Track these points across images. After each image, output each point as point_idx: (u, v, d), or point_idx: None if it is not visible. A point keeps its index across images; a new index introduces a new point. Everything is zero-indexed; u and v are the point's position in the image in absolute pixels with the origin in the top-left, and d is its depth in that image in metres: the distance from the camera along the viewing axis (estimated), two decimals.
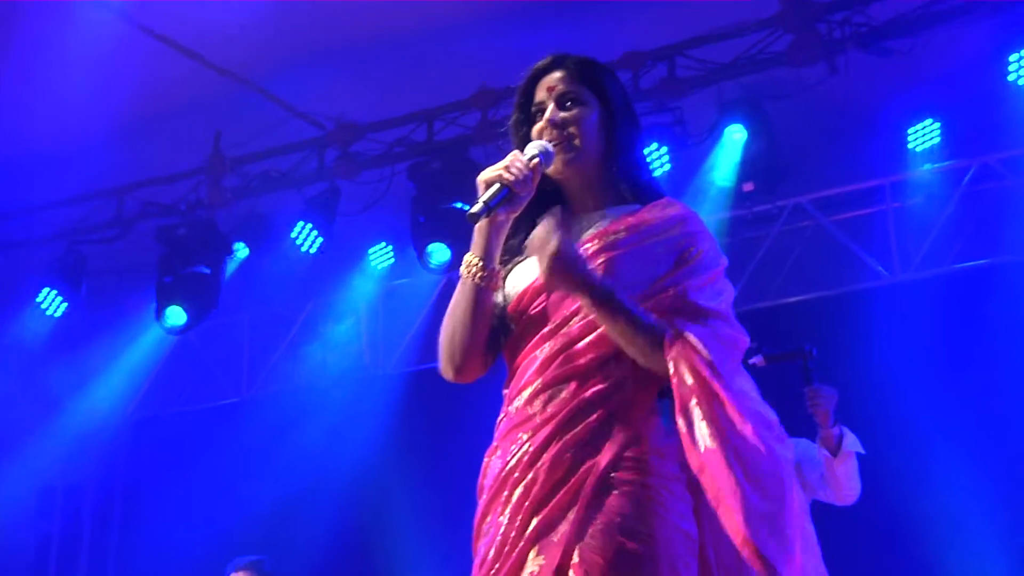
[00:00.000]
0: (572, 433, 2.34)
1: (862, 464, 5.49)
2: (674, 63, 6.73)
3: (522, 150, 2.52)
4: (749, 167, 7.11)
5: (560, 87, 2.56)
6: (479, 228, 2.47)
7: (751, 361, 4.84)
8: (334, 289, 8.77)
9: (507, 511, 2.36)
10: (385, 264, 8.63)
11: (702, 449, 2.24)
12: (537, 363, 2.44)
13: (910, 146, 7.23)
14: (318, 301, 8.95)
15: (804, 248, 7.84)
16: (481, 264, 2.46)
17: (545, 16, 6.53)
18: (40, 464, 8.94)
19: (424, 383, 8.58)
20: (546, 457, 2.34)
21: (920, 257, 7.45)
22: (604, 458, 2.31)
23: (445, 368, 2.53)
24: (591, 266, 2.38)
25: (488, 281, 2.47)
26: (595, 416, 2.35)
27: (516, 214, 2.50)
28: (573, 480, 2.31)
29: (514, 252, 2.55)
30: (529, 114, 2.61)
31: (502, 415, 2.49)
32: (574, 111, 2.55)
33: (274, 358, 9.03)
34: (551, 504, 2.30)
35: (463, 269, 2.47)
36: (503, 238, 2.51)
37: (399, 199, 7.44)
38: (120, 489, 9.54)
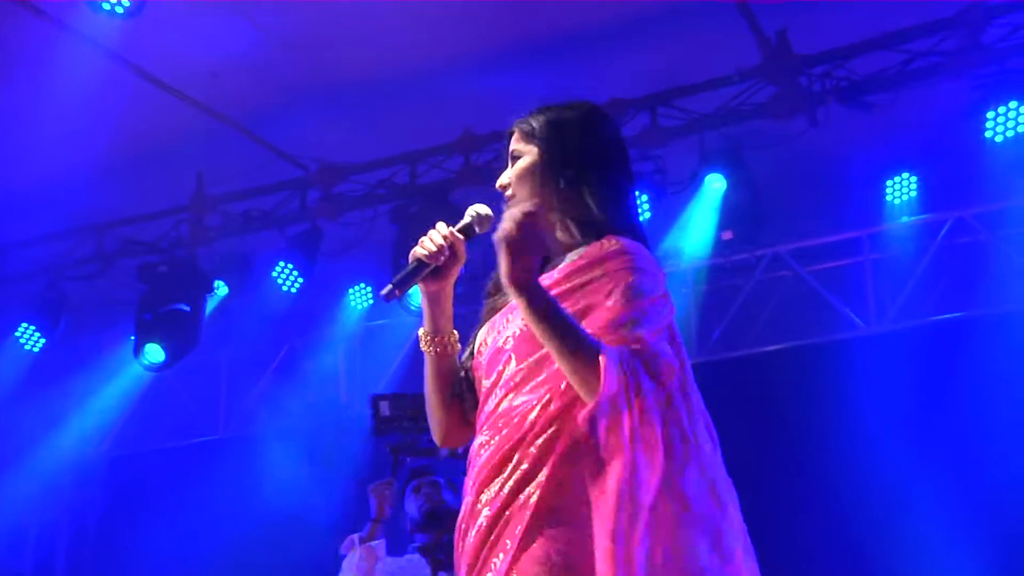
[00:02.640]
0: (502, 481, 2.33)
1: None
2: (656, 112, 6.80)
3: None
4: (728, 216, 7.17)
5: (511, 147, 2.62)
6: (423, 301, 2.56)
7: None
8: (313, 329, 8.77)
9: (461, 561, 2.39)
10: (364, 305, 8.65)
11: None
12: (484, 414, 2.47)
13: (888, 199, 7.32)
14: (297, 341, 8.95)
15: (782, 297, 7.89)
16: (429, 335, 2.56)
17: (529, 62, 6.60)
18: (13, 501, 8.87)
19: None
20: (480, 508, 2.35)
21: (896, 309, 7.51)
22: (530, 508, 2.27)
23: (434, 436, 2.63)
24: (516, 318, 2.42)
25: (440, 348, 2.56)
26: (523, 466, 2.32)
27: (446, 283, 2.56)
28: (499, 527, 2.31)
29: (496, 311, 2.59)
30: None
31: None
32: (514, 167, 2.60)
33: (252, 397, 9.01)
34: (483, 555, 2.31)
35: (420, 344, 2.56)
36: (446, 304, 2.59)
37: (380, 241, 7.46)
38: (94, 527, 9.47)
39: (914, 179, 7.22)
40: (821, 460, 7.22)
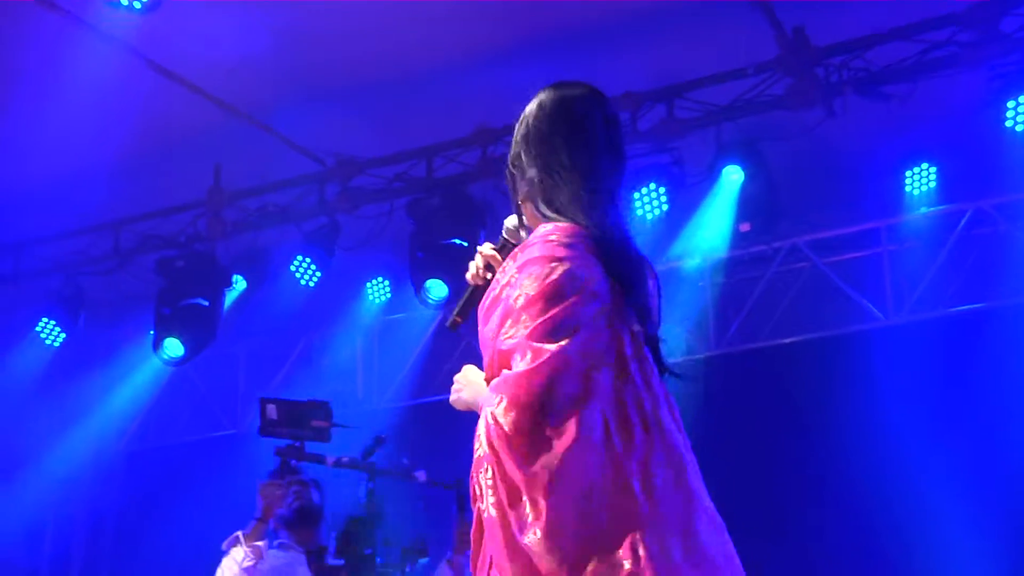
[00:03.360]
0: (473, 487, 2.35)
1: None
2: (673, 104, 6.78)
3: None
4: (746, 208, 7.15)
5: None
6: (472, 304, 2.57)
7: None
8: (331, 323, 8.79)
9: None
10: (382, 299, 8.66)
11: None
12: None
13: (906, 189, 7.28)
14: (315, 335, 8.97)
15: (800, 289, 7.88)
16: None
17: (545, 56, 6.59)
18: (31, 496, 8.91)
19: (418, 417, 8.59)
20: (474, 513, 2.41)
21: (915, 300, 7.48)
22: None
23: None
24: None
25: None
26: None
27: None
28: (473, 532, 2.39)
29: None
30: None
31: None
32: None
33: (270, 391, 9.03)
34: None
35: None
36: None
37: (398, 235, 7.47)
38: (112, 521, 9.51)
39: (933, 169, 7.18)
40: (839, 451, 7.21)
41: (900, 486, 6.95)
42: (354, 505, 4.75)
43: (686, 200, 7.24)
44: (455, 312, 2.62)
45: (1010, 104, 6.34)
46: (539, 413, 2.19)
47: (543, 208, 2.49)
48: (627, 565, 2.14)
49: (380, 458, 4.85)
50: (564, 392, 2.21)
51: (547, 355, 2.21)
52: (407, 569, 4.71)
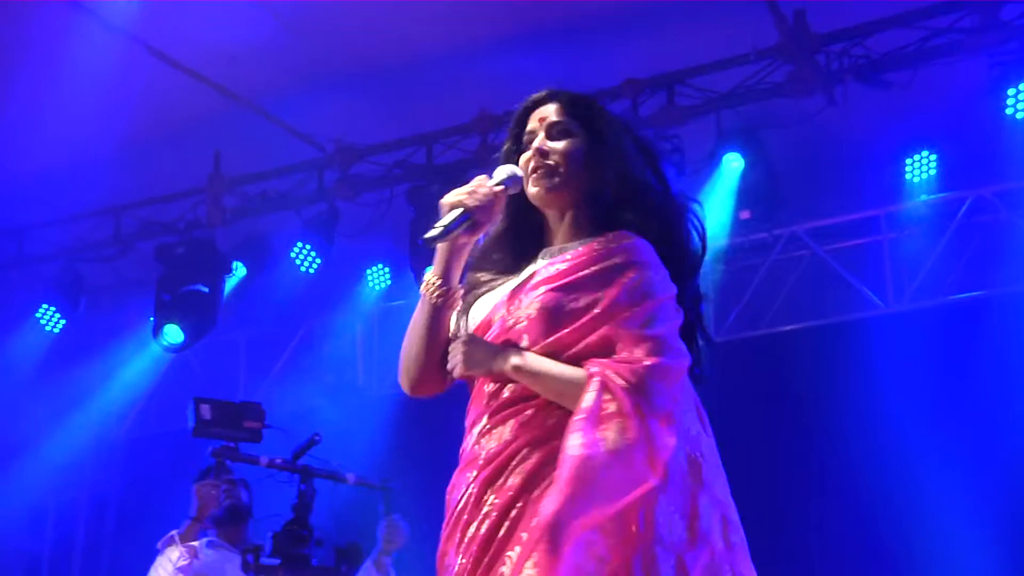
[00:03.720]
0: (511, 474, 2.34)
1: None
2: (673, 91, 6.78)
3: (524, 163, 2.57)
4: (746, 195, 7.15)
5: (552, 118, 2.60)
6: (440, 248, 2.50)
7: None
8: (331, 310, 8.79)
9: (460, 551, 2.36)
10: (382, 285, 8.66)
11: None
12: (484, 399, 2.46)
13: (907, 177, 7.28)
14: (315, 322, 8.98)
15: (799, 277, 7.88)
16: (439, 283, 2.50)
17: (545, 43, 6.59)
18: (33, 481, 8.92)
19: (418, 404, 8.59)
20: (487, 499, 2.35)
21: (915, 288, 7.48)
22: (547, 504, 2.22)
23: (402, 381, 2.57)
24: (529, 299, 2.42)
25: (445, 300, 2.52)
26: (534, 459, 2.34)
27: (476, 237, 2.55)
28: (510, 521, 2.31)
29: (497, 268, 2.58)
30: (520, 143, 2.63)
31: (463, 446, 2.49)
32: (562, 142, 2.57)
33: (270, 377, 9.04)
34: (494, 546, 2.30)
35: (422, 287, 2.51)
36: (463, 259, 2.56)
37: (398, 221, 7.47)
38: (113, 507, 9.53)
39: (933, 157, 7.17)
40: (839, 439, 7.22)
41: (900, 474, 6.96)
42: (289, 506, 4.77)
43: (686, 188, 7.21)
44: (440, 227, 2.44)
45: (1010, 92, 6.34)
46: (671, 403, 2.33)
47: (617, 217, 2.52)
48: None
49: (312, 459, 4.88)
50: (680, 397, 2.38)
51: (683, 360, 2.40)
52: (342, 570, 4.74)
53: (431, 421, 8.58)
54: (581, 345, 2.36)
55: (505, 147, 2.66)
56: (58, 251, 8.26)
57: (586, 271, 2.41)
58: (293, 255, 7.88)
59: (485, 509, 2.34)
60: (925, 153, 7.17)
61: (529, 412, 2.37)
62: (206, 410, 4.92)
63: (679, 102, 6.78)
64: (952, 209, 7.39)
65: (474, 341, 2.45)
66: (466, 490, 2.39)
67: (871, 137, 7.07)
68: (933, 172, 7.21)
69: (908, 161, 7.23)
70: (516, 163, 2.59)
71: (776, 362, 7.73)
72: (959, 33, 6.17)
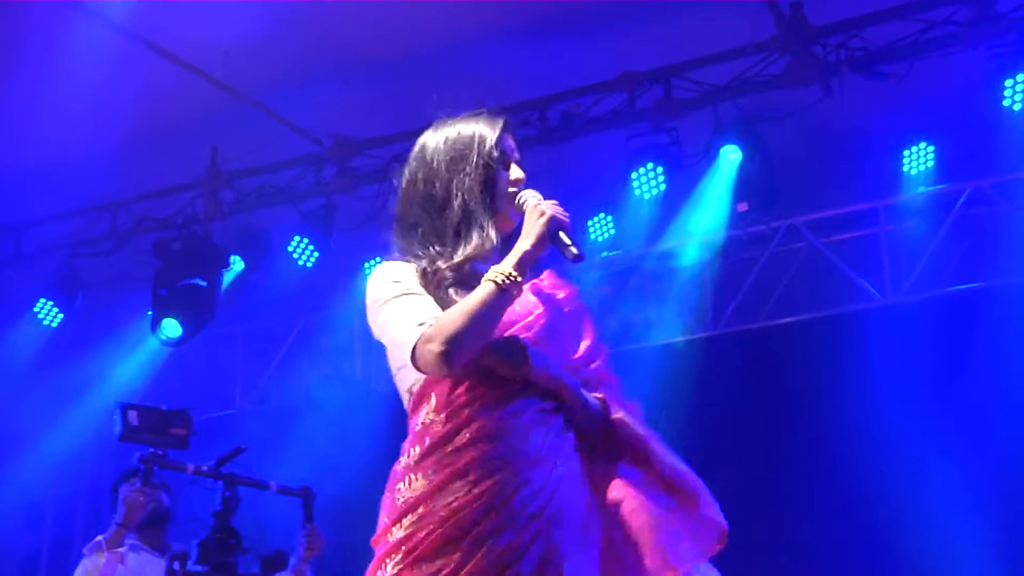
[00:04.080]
0: (568, 473, 2.48)
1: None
2: (671, 84, 6.78)
3: (504, 180, 2.68)
4: (744, 188, 7.15)
5: (518, 154, 2.77)
6: (531, 251, 2.52)
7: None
8: (329, 304, 8.79)
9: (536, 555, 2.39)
10: None
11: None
12: (525, 398, 2.49)
13: (904, 169, 7.27)
14: (313, 316, 8.97)
15: (798, 269, 7.88)
16: (520, 279, 2.49)
17: (543, 36, 6.58)
18: (31, 476, 8.92)
19: None
20: (559, 496, 2.44)
21: (912, 280, 7.49)
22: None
23: (444, 354, 2.40)
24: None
25: (518, 293, 2.52)
26: (577, 458, 2.51)
27: None
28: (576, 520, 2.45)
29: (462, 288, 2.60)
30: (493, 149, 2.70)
31: (477, 435, 2.45)
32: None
33: (268, 372, 9.05)
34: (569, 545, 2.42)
35: (500, 277, 2.46)
36: None
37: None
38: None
39: (931, 149, 7.17)
40: (836, 431, 7.23)
41: (897, 465, 6.97)
42: (216, 513, 4.81)
43: (684, 180, 7.24)
44: (580, 245, 2.58)
45: (1007, 83, 6.34)
46: None
47: None
48: None
49: (237, 467, 4.91)
50: None
51: None
52: None
53: None
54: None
55: (497, 155, 2.70)
56: (56, 246, 8.25)
57: (573, 308, 2.69)
58: (291, 249, 7.87)
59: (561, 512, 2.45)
60: (923, 145, 7.17)
61: (568, 419, 2.54)
62: (133, 416, 4.95)
63: (676, 95, 6.78)
64: (950, 201, 7.39)
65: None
66: (532, 488, 2.42)
67: (868, 129, 7.07)
68: (931, 164, 7.21)
69: (906, 153, 7.23)
70: (495, 172, 2.68)
71: (775, 354, 7.74)
72: (956, 25, 6.17)
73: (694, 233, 7.66)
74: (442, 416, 2.46)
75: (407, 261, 2.62)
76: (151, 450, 4.93)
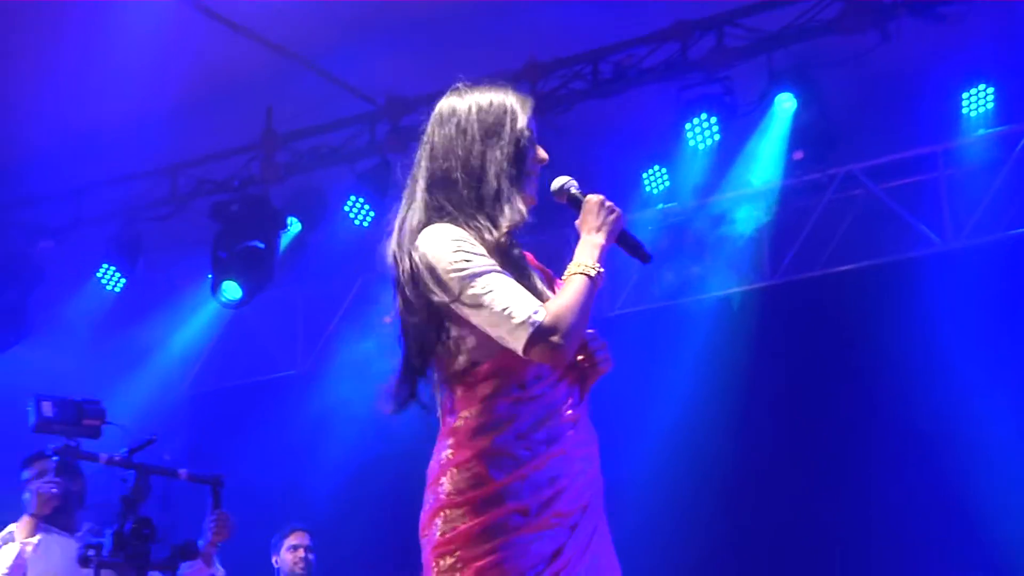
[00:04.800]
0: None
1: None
2: (723, 32, 6.71)
3: (532, 159, 2.75)
4: (799, 136, 7.09)
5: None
6: (607, 246, 2.67)
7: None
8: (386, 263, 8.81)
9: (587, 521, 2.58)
10: None
11: None
12: (577, 390, 2.65)
13: (963, 112, 7.17)
14: (371, 274, 9.02)
15: (855, 217, 7.81)
16: (602, 272, 2.63)
17: None
18: (98, 442, 9.04)
19: None
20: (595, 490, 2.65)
21: (973, 224, 7.40)
22: None
23: (564, 348, 2.48)
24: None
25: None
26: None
27: None
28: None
29: (517, 263, 2.65)
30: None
31: (550, 417, 2.57)
32: None
33: (328, 331, 9.12)
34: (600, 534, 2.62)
35: (592, 272, 2.58)
36: None
37: None
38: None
39: (991, 90, 7.05)
40: (897, 378, 7.19)
41: (960, 411, 6.92)
42: (130, 502, 4.90)
43: (739, 130, 7.19)
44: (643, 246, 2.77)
45: None
46: None
47: None
48: None
49: (148, 456, 5.00)
50: None
51: None
52: (179, 566, 4.87)
53: None
54: None
55: (528, 134, 2.74)
56: (116, 211, 8.34)
57: None
58: (347, 209, 7.92)
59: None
60: (982, 87, 7.05)
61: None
62: (47, 407, 5.03)
63: (729, 43, 6.71)
64: (1010, 143, 7.28)
65: None
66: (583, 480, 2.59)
67: (926, 72, 6.96)
68: (991, 106, 7.09)
69: (964, 95, 7.12)
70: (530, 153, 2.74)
71: (833, 303, 7.69)
72: None
73: (750, 183, 7.61)
74: (542, 390, 2.56)
75: (457, 225, 2.61)
76: (65, 442, 5.03)
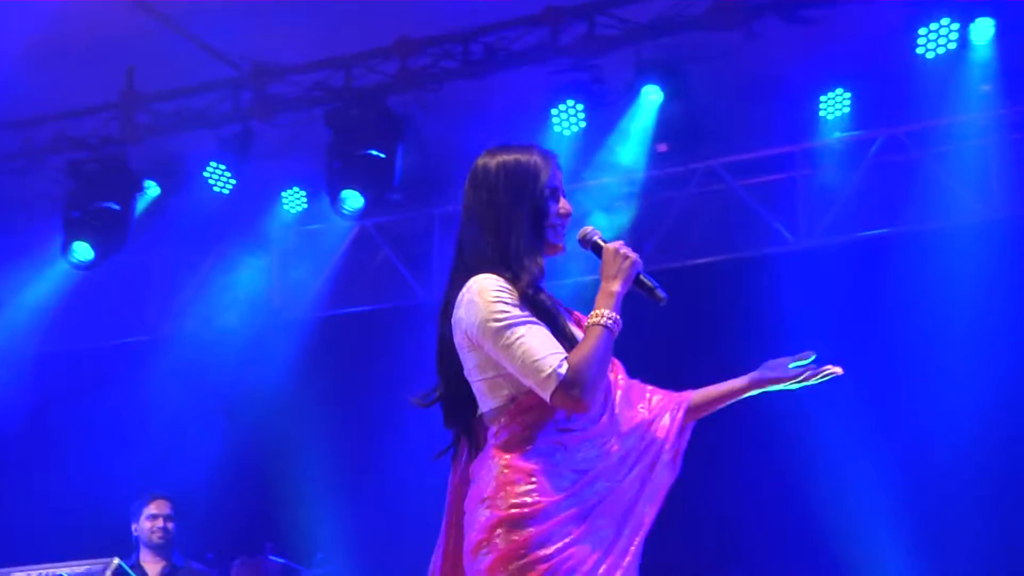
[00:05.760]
0: None
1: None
2: (594, 20, 6.76)
3: (555, 214, 2.99)
4: (664, 128, 7.20)
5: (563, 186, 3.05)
6: (622, 292, 2.92)
7: None
8: (246, 231, 8.71)
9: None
10: (298, 208, 8.59)
11: None
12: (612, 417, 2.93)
13: (821, 114, 7.35)
14: (229, 243, 8.88)
15: (715, 211, 7.95)
16: (619, 321, 2.87)
17: None
18: None
19: (331, 329, 8.60)
20: None
21: (825, 224, 7.59)
22: None
23: (584, 401, 2.75)
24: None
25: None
26: None
27: None
28: None
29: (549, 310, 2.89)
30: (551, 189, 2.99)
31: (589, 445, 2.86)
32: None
33: (183, 298, 8.95)
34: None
35: (609, 322, 2.84)
36: None
37: (315, 144, 7.41)
38: (22, 423, 9.41)
39: (847, 95, 7.25)
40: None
41: (804, 404, 7.09)
42: None
43: (604, 119, 7.26)
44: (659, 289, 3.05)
45: (921, 31, 6.44)
46: None
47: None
48: None
49: None
50: None
51: None
52: None
53: (344, 347, 8.60)
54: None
55: (547, 193, 2.97)
56: None
57: None
58: (207, 175, 7.79)
59: None
60: (839, 91, 7.24)
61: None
62: None
63: (599, 32, 6.77)
64: (864, 147, 7.48)
65: None
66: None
67: (788, 73, 7.11)
68: (847, 110, 7.29)
69: (822, 98, 7.30)
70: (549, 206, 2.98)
71: (691, 294, 7.80)
72: None
73: (614, 172, 7.69)
74: (578, 425, 2.83)
75: (499, 276, 2.87)
76: None
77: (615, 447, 2.87)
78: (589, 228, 3.05)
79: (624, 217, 7.91)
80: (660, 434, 3.00)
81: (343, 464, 8.12)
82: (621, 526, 2.81)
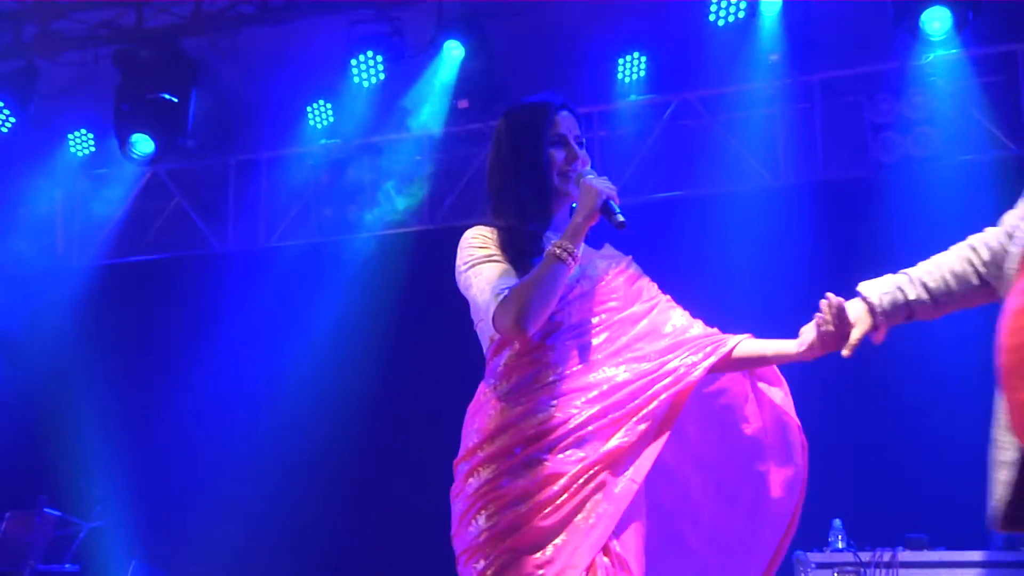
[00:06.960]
0: None
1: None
2: None
3: (541, 158, 3.06)
4: (465, 85, 7.19)
5: (578, 132, 3.15)
6: (583, 223, 2.92)
7: None
8: (29, 174, 8.34)
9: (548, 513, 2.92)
10: (85, 152, 8.25)
11: None
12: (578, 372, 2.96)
13: (619, 77, 7.45)
14: (10, 185, 8.49)
15: None
16: (576, 253, 2.90)
17: None
18: None
19: (117, 277, 8.34)
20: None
21: (621, 186, 7.70)
22: None
23: (521, 324, 2.81)
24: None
25: (573, 265, 2.91)
26: None
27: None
28: None
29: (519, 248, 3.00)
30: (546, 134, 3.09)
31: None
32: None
33: None
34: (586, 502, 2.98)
35: (561, 252, 2.86)
36: None
37: (103, 85, 7.15)
38: None
39: (643, 59, 7.37)
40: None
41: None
42: None
43: (406, 72, 7.22)
44: (620, 215, 2.94)
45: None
46: None
47: None
48: None
49: None
50: None
51: None
52: None
53: (129, 295, 8.36)
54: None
55: (550, 138, 3.08)
56: None
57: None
58: None
59: None
60: (636, 54, 7.36)
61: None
62: None
63: None
64: (659, 111, 7.62)
65: None
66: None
67: (589, 34, 7.19)
68: (643, 74, 7.41)
69: (620, 61, 7.40)
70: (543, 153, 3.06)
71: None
72: None
73: (412, 127, 7.65)
74: (525, 360, 2.90)
75: (492, 226, 3.02)
76: None
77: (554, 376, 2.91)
78: (586, 169, 3.08)
79: (422, 172, 7.89)
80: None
81: (125, 416, 7.91)
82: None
